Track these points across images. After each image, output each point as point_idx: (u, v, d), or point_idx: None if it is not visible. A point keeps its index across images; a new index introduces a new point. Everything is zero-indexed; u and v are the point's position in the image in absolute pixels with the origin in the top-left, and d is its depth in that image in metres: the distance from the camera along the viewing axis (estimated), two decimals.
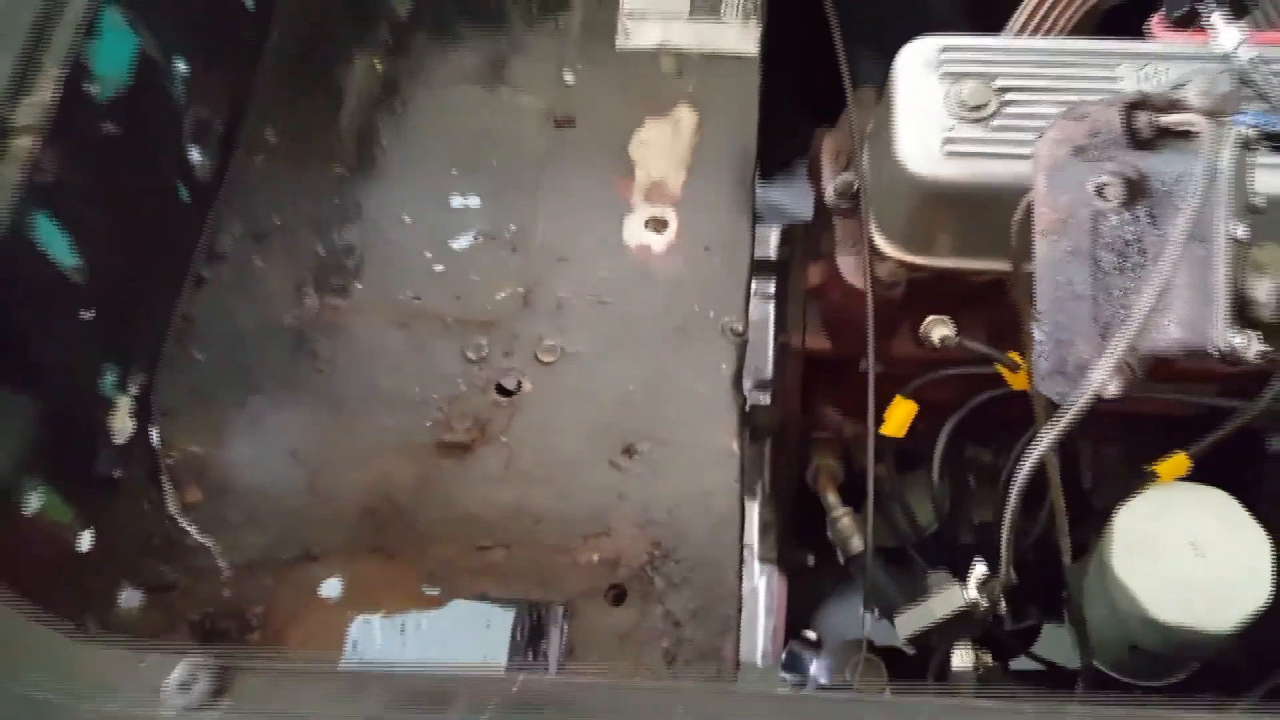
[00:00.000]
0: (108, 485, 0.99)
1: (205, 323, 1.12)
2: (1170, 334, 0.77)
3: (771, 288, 1.39)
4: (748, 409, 1.13)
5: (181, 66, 1.08)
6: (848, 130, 1.19)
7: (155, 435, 1.05)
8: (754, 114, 1.24)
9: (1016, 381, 1.07)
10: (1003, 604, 0.98)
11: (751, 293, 1.19)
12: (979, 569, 0.99)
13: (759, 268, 1.25)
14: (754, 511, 1.39)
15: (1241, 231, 0.74)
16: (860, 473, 1.26)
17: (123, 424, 1.01)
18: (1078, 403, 0.78)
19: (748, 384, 1.19)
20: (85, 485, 0.95)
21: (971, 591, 0.98)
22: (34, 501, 0.86)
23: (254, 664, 0.63)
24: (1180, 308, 0.77)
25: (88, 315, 0.94)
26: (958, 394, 1.21)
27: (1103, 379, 0.78)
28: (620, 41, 1.30)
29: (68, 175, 0.86)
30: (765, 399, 1.38)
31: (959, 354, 1.13)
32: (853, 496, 1.29)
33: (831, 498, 1.27)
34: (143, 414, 1.04)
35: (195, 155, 1.13)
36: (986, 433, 1.31)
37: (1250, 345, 0.75)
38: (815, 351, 1.26)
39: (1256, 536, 1.04)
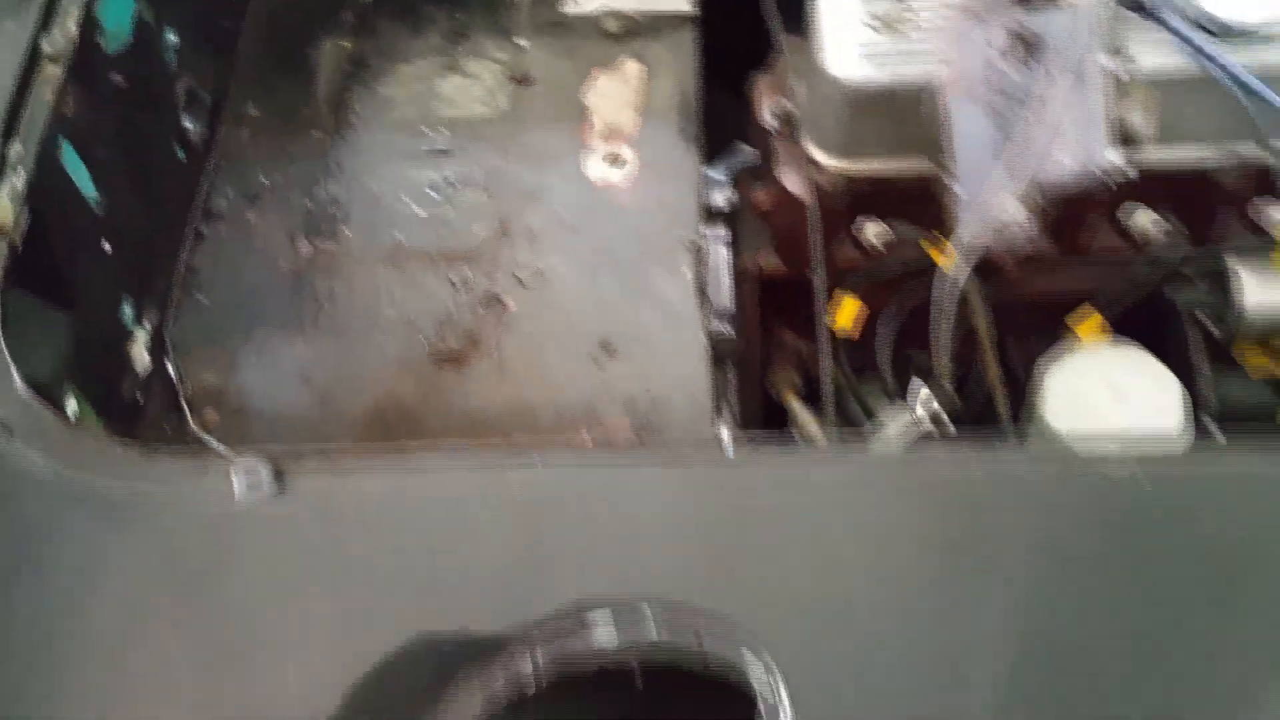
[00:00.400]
0: (133, 409, 1.07)
1: (209, 271, 1.21)
2: (1064, 163, 0.91)
3: (723, 233, 1.53)
4: (712, 340, 1.25)
5: (172, 37, 1.18)
6: (780, 69, 1.34)
7: (171, 369, 1.13)
8: (693, 62, 1.38)
9: (943, 260, 1.20)
10: (949, 425, 1.10)
11: (708, 237, 1.31)
12: (922, 390, 1.10)
13: (713, 216, 1.38)
14: (724, 433, 1.49)
15: (1114, 66, 0.88)
16: (818, 383, 1.39)
17: (141, 356, 1.09)
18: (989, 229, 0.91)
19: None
20: (112, 404, 1.03)
21: (918, 409, 1.10)
22: (71, 407, 0.94)
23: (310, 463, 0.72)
24: (1070, 140, 0.91)
25: (107, 247, 1.02)
26: (903, 298, 1.34)
27: (1010, 208, 0.91)
28: (568, 9, 1.43)
29: (85, 113, 0.96)
30: (728, 330, 1.50)
31: (899, 253, 1.26)
32: (813, 404, 1.41)
33: (794, 403, 1.39)
34: (158, 351, 1.13)
35: (188, 122, 1.23)
36: (927, 337, 1.44)
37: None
38: (769, 272, 1.39)
39: (1167, 380, 1.18)
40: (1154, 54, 1.03)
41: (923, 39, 1.12)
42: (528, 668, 0.66)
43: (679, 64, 1.38)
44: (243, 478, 0.69)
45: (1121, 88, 0.88)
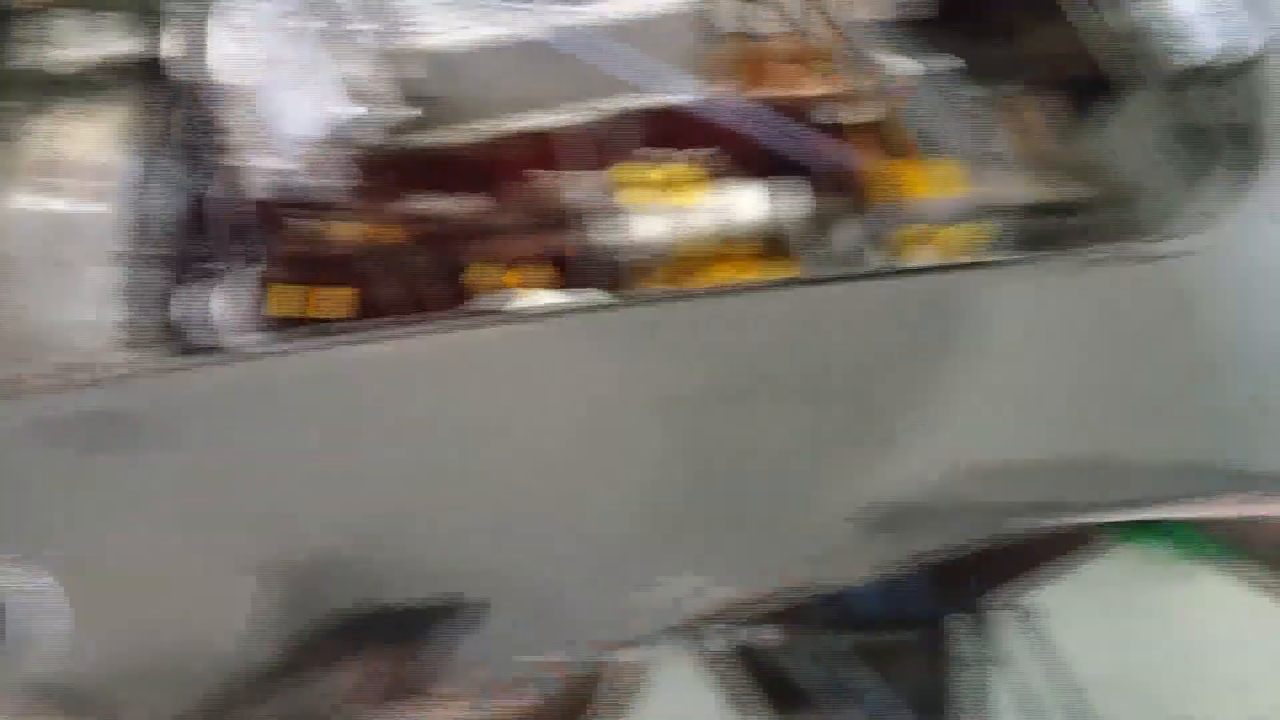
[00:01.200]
0: None
1: None
2: (328, 121, 1.03)
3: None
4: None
5: None
6: None
7: None
8: (154, 100, 1.49)
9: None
10: None
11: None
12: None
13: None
14: None
15: (379, 31, 1.01)
16: None
17: None
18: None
19: None
20: None
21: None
22: None
23: None
24: (319, 100, 1.03)
25: None
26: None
27: (287, 164, 1.03)
28: (38, 64, 1.54)
29: None
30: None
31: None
32: None
33: None
34: None
35: None
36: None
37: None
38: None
39: None
40: (475, 23, 1.17)
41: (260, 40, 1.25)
42: None
43: (139, 102, 1.49)
44: None
45: (398, 55, 1.02)
